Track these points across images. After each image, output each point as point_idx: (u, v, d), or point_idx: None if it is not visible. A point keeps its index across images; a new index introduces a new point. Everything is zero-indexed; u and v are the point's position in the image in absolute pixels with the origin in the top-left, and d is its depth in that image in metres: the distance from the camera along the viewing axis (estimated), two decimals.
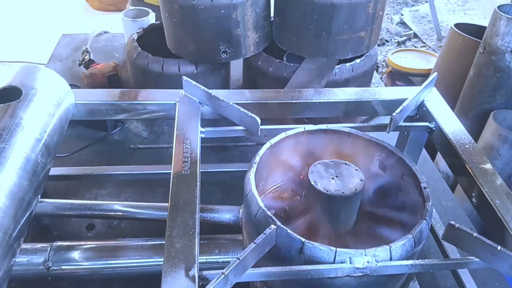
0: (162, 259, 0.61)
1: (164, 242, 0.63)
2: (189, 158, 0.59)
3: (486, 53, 1.58)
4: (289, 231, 0.50)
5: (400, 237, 0.58)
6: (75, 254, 0.61)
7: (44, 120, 0.58)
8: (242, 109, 0.63)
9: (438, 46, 3.14)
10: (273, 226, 0.48)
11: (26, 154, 0.52)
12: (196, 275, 0.45)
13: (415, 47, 3.17)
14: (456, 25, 1.95)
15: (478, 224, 0.83)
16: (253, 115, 0.62)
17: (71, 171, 0.80)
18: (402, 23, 3.41)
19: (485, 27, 1.61)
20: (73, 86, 1.05)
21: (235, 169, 0.80)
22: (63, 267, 0.60)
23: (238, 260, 0.44)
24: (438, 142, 0.69)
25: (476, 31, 1.94)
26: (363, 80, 0.97)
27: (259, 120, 0.62)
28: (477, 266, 0.50)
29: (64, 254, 0.61)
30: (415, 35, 3.31)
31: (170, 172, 0.78)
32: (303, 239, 0.49)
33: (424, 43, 3.23)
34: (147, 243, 0.64)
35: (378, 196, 0.64)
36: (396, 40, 3.21)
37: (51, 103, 0.61)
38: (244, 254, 0.45)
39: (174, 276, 0.45)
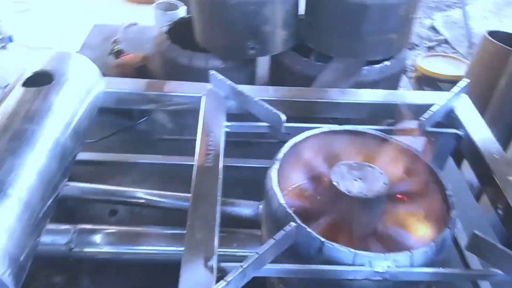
0: (181, 248, 0.63)
1: (184, 231, 0.65)
2: (212, 151, 0.60)
3: None
4: (308, 229, 0.49)
5: (420, 241, 0.58)
6: (97, 238, 0.63)
7: (75, 105, 0.60)
8: (266, 104, 0.63)
9: (469, 53, 3.07)
10: (293, 224, 0.48)
11: (56, 137, 0.54)
12: (215, 266, 0.46)
13: (445, 53, 3.11)
14: (489, 33, 1.90)
15: (503, 236, 0.81)
16: (277, 111, 0.62)
17: (97, 157, 0.82)
18: (433, 28, 3.34)
19: None
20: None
21: (257, 165, 0.80)
22: (85, 249, 0.62)
23: (258, 255, 0.44)
24: (466, 150, 0.68)
25: (510, 39, 1.89)
26: (391, 83, 0.95)
27: (283, 117, 0.62)
28: (500, 279, 0.49)
29: (87, 237, 0.63)
30: (446, 41, 3.24)
31: (193, 164, 0.80)
32: (322, 239, 0.49)
33: (454, 49, 3.16)
34: (168, 231, 0.64)
35: (401, 201, 0.63)
36: (426, 45, 3.16)
37: (82, 89, 0.63)
38: (264, 249, 0.45)
39: (193, 266, 0.46)
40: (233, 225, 0.67)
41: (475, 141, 0.65)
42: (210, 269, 0.45)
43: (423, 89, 2.33)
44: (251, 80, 1.03)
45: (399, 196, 0.62)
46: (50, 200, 0.52)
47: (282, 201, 0.53)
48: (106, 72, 1.12)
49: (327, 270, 0.47)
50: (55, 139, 0.53)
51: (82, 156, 0.80)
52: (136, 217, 0.75)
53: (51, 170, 0.51)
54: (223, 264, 0.47)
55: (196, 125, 0.99)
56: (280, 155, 0.59)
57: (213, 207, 0.52)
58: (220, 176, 0.56)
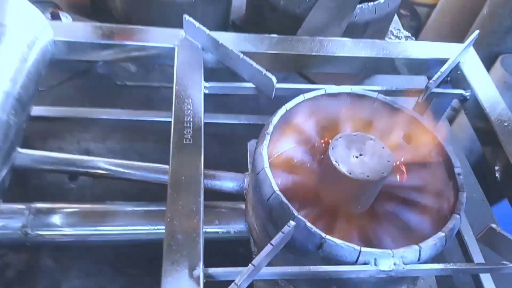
0: (156, 227, 0.56)
1: (158, 208, 0.57)
2: (191, 123, 0.50)
3: None
4: (308, 224, 0.43)
5: (420, 221, 0.54)
6: (57, 219, 0.54)
7: (16, 66, 0.47)
8: (255, 64, 0.53)
9: None
10: (292, 223, 0.41)
11: None
12: (201, 275, 0.39)
13: None
14: None
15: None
16: (268, 73, 0.53)
17: (51, 112, 0.70)
18: None
19: None
20: (50, 3, 0.91)
21: (236, 122, 0.71)
22: (43, 233, 0.54)
23: (253, 267, 0.38)
24: (470, 112, 0.61)
25: None
26: (385, 23, 0.86)
27: (274, 81, 0.53)
28: (508, 271, 0.45)
29: (45, 218, 0.54)
30: None
31: (162, 120, 0.71)
32: (323, 235, 0.43)
33: None
34: (140, 208, 0.57)
35: (399, 171, 0.58)
36: None
37: (24, 43, 0.50)
38: (260, 259, 0.38)
39: (176, 277, 0.39)
40: (213, 198, 0.59)
41: (483, 104, 0.59)
42: (197, 279, 0.39)
43: (400, 13, 2.22)
44: (225, 16, 0.90)
45: (401, 170, 0.56)
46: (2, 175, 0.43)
47: (275, 188, 0.45)
48: (57, 3, 0.96)
49: (329, 271, 0.42)
50: None
51: (35, 111, 0.68)
52: (101, 182, 0.66)
53: None
54: (210, 271, 0.40)
55: (163, 69, 0.87)
56: (271, 127, 0.51)
57: (196, 198, 0.44)
58: (202, 155, 0.48)
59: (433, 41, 0.68)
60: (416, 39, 1.97)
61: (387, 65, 0.65)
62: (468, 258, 0.51)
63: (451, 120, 1.62)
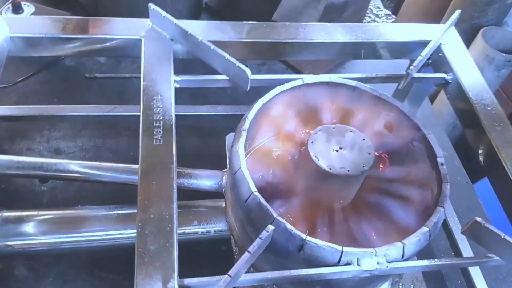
0: (131, 231, 0.54)
1: (131, 211, 0.55)
2: (161, 122, 0.47)
3: None
4: (288, 225, 0.41)
5: (403, 212, 0.52)
6: (28, 227, 0.52)
7: None
8: (228, 56, 0.50)
9: None
10: (270, 228, 0.39)
11: None
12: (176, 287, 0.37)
13: None
14: None
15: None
16: (241, 65, 0.50)
17: (18, 111, 0.66)
18: None
19: None
20: None
21: (213, 113, 0.69)
22: (14, 243, 0.51)
23: (230, 278, 0.36)
24: (452, 96, 0.59)
25: None
26: (363, 2, 0.83)
27: (249, 73, 0.50)
28: (494, 264, 0.44)
29: (14, 228, 0.51)
30: None
31: (135, 114, 0.67)
32: (304, 237, 0.41)
33: None
34: (112, 212, 0.54)
35: (381, 161, 0.56)
36: None
37: None
38: (237, 268, 0.36)
39: None
40: (192, 195, 0.57)
41: (466, 88, 0.57)
42: None
43: None
44: (197, 1, 0.86)
45: (382, 160, 0.54)
46: None
47: (253, 189, 0.43)
48: None
49: (311, 274, 0.40)
50: None
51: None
52: (72, 184, 0.63)
53: None
54: (186, 282, 0.38)
55: (134, 59, 0.83)
56: (247, 123, 0.48)
57: (168, 204, 0.41)
58: (174, 157, 0.45)
59: (411, 20, 0.66)
60: (396, 16, 1.94)
61: (366, 50, 0.62)
62: (455, 249, 0.50)
63: (433, 96, 1.62)
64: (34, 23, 0.54)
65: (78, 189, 0.64)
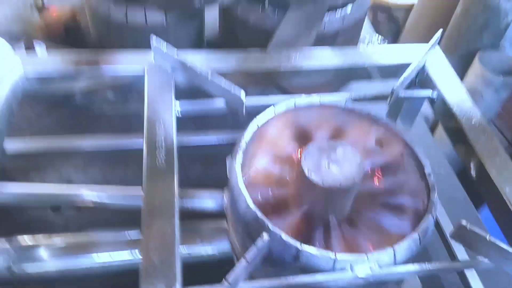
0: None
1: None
2: (163, 145, 0.51)
3: None
4: (283, 236, 0.44)
5: (397, 222, 0.54)
6: (42, 252, 0.55)
7: None
8: (223, 82, 0.54)
9: None
10: (265, 237, 0.42)
11: None
12: None
13: None
14: None
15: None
16: (236, 89, 0.54)
17: (31, 145, 0.70)
18: None
19: None
20: (22, 33, 0.92)
21: (216, 143, 0.72)
22: (28, 269, 0.54)
23: (229, 285, 0.38)
24: (439, 113, 0.63)
25: None
26: (354, 31, 0.87)
27: (243, 95, 0.54)
28: (486, 267, 0.46)
29: (29, 253, 0.54)
30: None
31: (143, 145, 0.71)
32: (299, 246, 0.43)
33: None
34: (123, 236, 0.57)
35: (373, 175, 0.58)
36: None
37: None
38: (234, 274, 0.39)
39: None
40: (194, 217, 0.60)
41: (450, 104, 0.60)
42: None
43: (377, 19, 2.26)
44: (199, 36, 0.92)
45: (374, 174, 0.57)
46: None
47: (251, 205, 0.46)
48: (30, 30, 0.97)
49: (307, 281, 0.43)
50: None
51: (13, 145, 0.69)
52: (84, 213, 0.67)
53: None
54: None
55: (141, 95, 0.88)
56: (243, 143, 0.51)
57: (170, 220, 0.44)
58: (176, 176, 0.48)
59: (412, 43, 0.69)
60: (396, 42, 2.00)
61: (358, 72, 0.66)
62: (452, 256, 0.52)
63: (436, 123, 1.64)
64: (46, 61, 0.59)
65: (90, 220, 0.67)
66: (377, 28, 1.41)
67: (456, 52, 1.64)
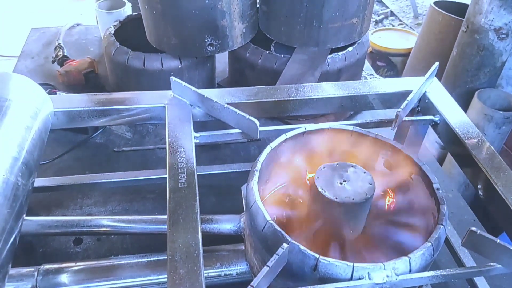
0: (160, 277, 0.58)
1: (161, 258, 0.60)
2: (184, 169, 0.55)
3: (469, 32, 1.55)
4: (301, 247, 0.46)
5: (411, 239, 0.56)
6: (65, 278, 0.57)
7: (21, 135, 0.52)
8: (238, 111, 0.59)
9: (415, 24, 3.13)
10: (285, 245, 0.44)
11: (4, 176, 0.47)
12: None
13: (393, 25, 3.15)
14: (436, 3, 1.92)
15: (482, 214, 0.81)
16: (251, 118, 0.58)
17: (53, 182, 0.74)
18: (379, 1, 3.38)
19: (465, 4, 1.59)
20: (47, 86, 0.99)
21: (229, 170, 0.75)
22: None
23: None
24: (443, 135, 0.66)
25: (456, 8, 1.92)
26: (356, 68, 0.93)
27: (257, 123, 0.58)
28: (497, 272, 0.47)
29: (53, 278, 0.56)
30: (392, 13, 3.29)
31: (159, 177, 0.75)
32: (317, 256, 0.45)
33: (401, 21, 3.21)
34: (143, 260, 0.59)
35: (385, 196, 0.61)
36: (374, 19, 3.18)
37: (27, 114, 0.55)
38: (258, 280, 0.41)
39: None
40: (211, 242, 0.62)
41: (453, 126, 0.64)
42: None
43: (376, 64, 2.35)
44: (211, 78, 0.98)
45: (385, 193, 0.60)
46: (6, 248, 0.46)
47: (268, 218, 0.49)
48: (51, 81, 1.04)
49: None
50: (3, 179, 0.46)
51: (37, 182, 0.72)
52: (104, 243, 0.69)
53: (2, 217, 0.44)
54: None
55: (157, 132, 0.93)
56: (258, 165, 0.55)
57: (194, 234, 0.47)
58: (197, 196, 0.51)
59: None
60: None
61: (361, 102, 0.70)
62: (460, 265, 0.53)
63: (441, 158, 1.67)
64: (73, 100, 0.64)
65: (109, 248, 0.70)
66: (376, 72, 1.48)
67: (455, 92, 1.70)
